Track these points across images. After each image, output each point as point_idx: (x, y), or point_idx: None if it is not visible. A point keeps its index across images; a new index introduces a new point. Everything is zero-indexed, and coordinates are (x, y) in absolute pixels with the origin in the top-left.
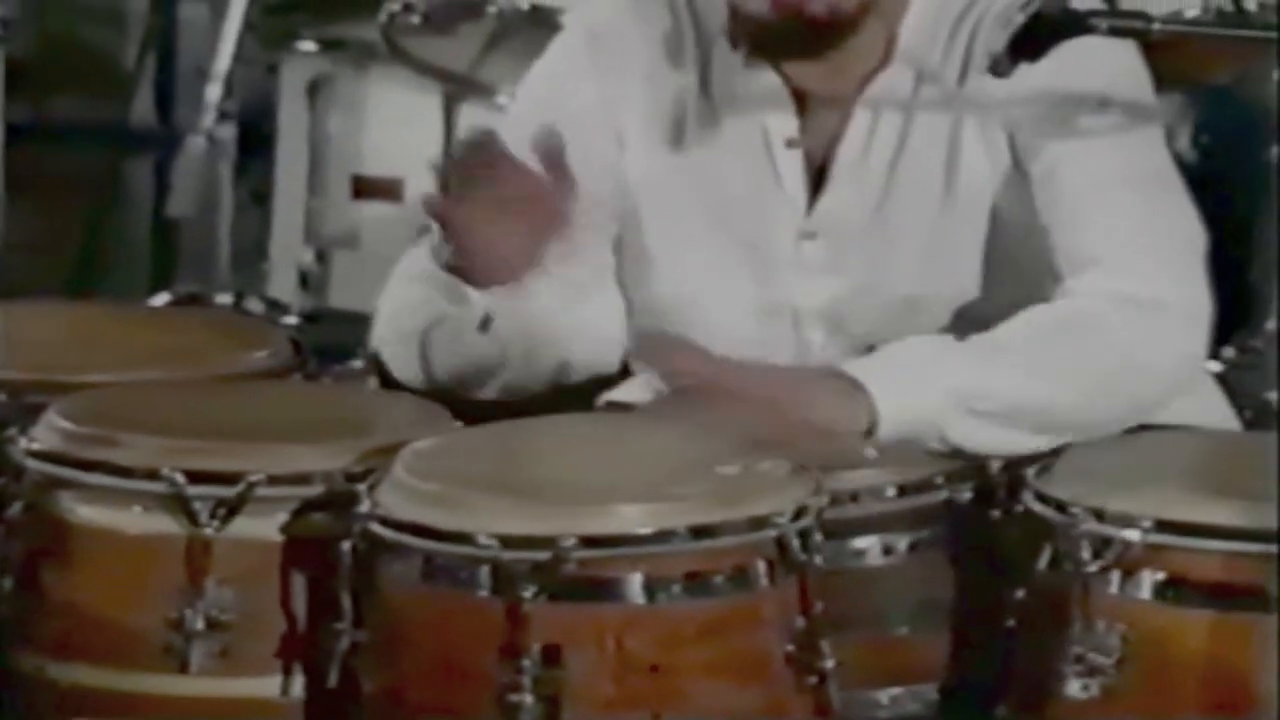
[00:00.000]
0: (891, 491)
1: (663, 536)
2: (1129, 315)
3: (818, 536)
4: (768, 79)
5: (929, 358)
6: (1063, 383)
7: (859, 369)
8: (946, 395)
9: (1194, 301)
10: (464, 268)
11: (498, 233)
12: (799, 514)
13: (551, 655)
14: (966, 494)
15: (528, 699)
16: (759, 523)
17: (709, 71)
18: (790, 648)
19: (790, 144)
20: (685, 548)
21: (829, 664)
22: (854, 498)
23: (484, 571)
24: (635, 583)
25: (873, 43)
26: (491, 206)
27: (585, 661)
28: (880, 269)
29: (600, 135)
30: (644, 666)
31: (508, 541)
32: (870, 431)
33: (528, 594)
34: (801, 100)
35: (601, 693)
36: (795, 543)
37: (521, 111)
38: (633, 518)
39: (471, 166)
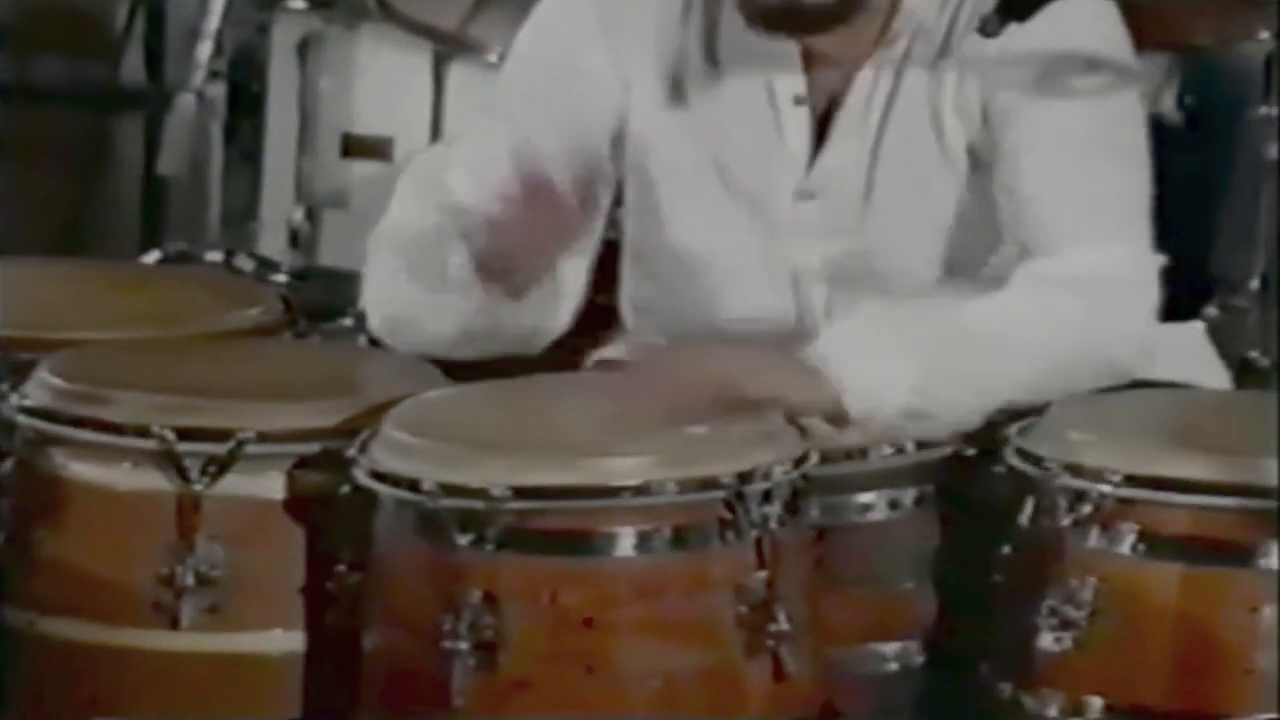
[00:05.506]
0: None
1: (601, 492)
2: (1078, 297)
3: (778, 501)
4: (776, 37)
5: (882, 329)
6: (1020, 362)
7: (818, 350)
8: (905, 364)
9: (1139, 269)
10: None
11: (529, 254)
12: (755, 475)
13: (488, 604)
14: (970, 450)
15: (463, 645)
16: (706, 484)
17: (716, 29)
18: (743, 609)
19: (798, 101)
20: (625, 504)
21: (784, 627)
22: (862, 452)
23: (426, 519)
24: (574, 537)
25: (879, 12)
26: (529, 234)
27: (521, 613)
28: (876, 231)
29: (607, 90)
30: (577, 621)
31: (447, 490)
32: (838, 408)
33: (463, 542)
34: (809, 58)
35: (536, 644)
36: (754, 504)
37: (523, 61)
38: (573, 471)
39: (523, 202)
